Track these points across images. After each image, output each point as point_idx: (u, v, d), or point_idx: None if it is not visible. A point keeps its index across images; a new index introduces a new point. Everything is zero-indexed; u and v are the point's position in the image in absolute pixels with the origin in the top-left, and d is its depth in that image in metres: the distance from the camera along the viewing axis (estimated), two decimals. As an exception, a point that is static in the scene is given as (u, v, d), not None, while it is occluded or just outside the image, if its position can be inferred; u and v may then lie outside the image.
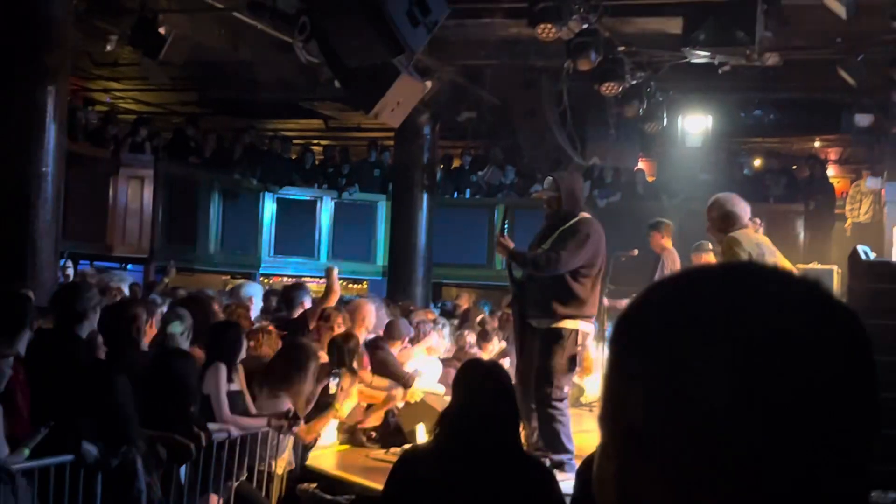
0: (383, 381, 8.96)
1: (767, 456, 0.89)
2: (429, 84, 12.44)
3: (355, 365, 8.38)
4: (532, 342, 7.90)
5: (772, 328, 0.92)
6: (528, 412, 7.58)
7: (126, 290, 10.44)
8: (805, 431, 0.89)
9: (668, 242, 11.05)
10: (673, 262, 10.81)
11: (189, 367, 6.64)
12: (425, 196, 17.48)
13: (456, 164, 21.36)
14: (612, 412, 0.98)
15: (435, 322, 11.07)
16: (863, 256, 8.58)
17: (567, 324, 7.70)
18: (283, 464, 7.58)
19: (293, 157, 20.61)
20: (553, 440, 7.66)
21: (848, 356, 0.94)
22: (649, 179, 20.10)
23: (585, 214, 8.01)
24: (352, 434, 9.00)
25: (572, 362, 7.82)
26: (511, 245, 7.98)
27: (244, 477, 7.22)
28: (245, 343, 7.57)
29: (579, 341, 7.79)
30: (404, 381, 9.05)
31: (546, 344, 7.77)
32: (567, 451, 7.62)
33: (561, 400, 7.73)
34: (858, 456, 0.93)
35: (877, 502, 5.89)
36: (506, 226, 8.51)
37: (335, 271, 9.74)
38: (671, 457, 0.91)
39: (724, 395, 0.90)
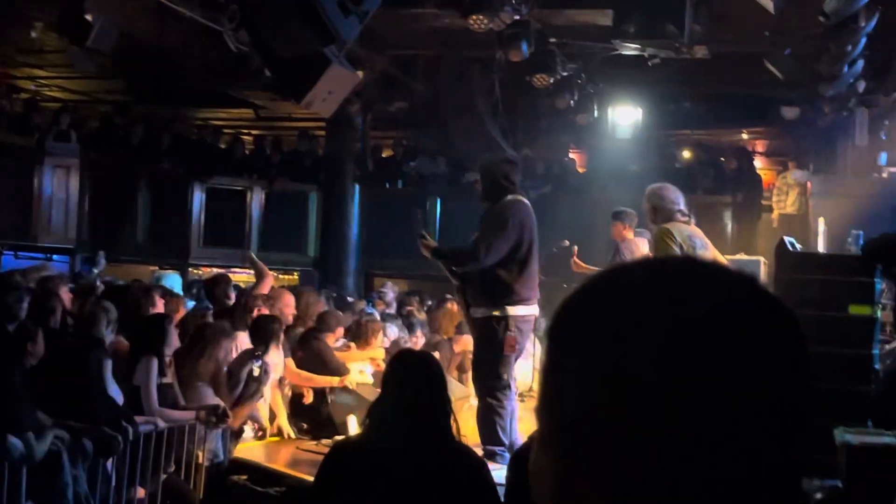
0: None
1: (703, 447, 0.89)
2: (360, 74, 12.37)
3: (279, 350, 8.36)
4: (474, 332, 7.93)
5: (707, 322, 0.91)
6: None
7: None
8: (741, 423, 0.89)
9: (629, 233, 11.02)
10: (632, 253, 10.81)
11: (93, 359, 6.56)
12: (357, 186, 17.43)
13: (387, 154, 21.31)
14: (549, 404, 0.97)
15: (383, 318, 11.02)
16: (789, 248, 8.72)
17: (497, 312, 7.61)
18: (210, 455, 7.52)
19: (223, 147, 20.41)
20: (488, 431, 7.56)
21: (783, 349, 0.94)
22: (580, 171, 20.23)
23: (510, 198, 7.79)
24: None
25: (508, 349, 7.62)
26: (433, 244, 7.97)
27: (172, 470, 7.15)
28: (175, 335, 7.50)
29: (511, 327, 7.60)
30: (339, 373, 9.01)
31: (480, 334, 7.78)
32: (501, 443, 7.48)
33: (499, 390, 7.56)
34: (793, 446, 0.93)
35: (806, 490, 5.98)
36: (420, 226, 8.47)
37: (252, 255, 9.67)
38: (608, 448, 0.91)
39: (658, 387, 0.89)
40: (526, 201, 7.93)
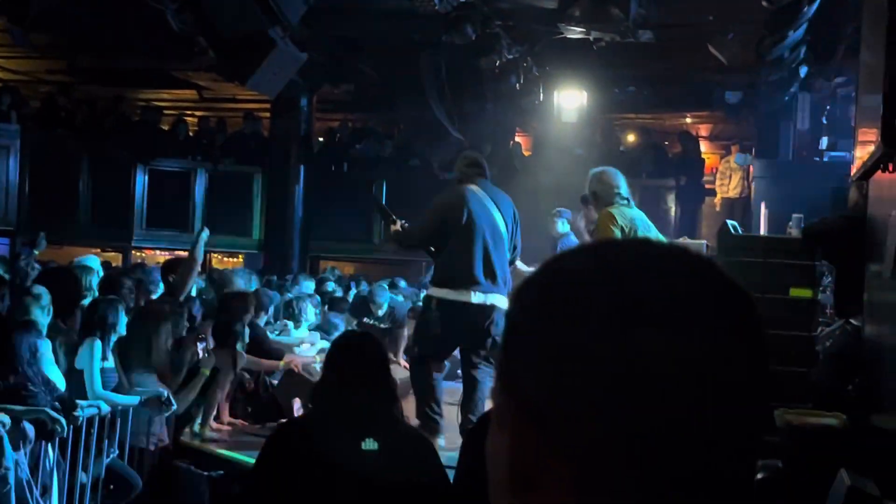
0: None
1: (659, 428, 0.89)
2: (305, 56, 12.29)
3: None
4: None
5: (662, 302, 0.91)
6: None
7: None
8: (699, 407, 0.89)
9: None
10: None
11: (23, 343, 6.47)
12: (302, 169, 17.34)
13: (333, 136, 21.21)
14: (507, 386, 0.97)
15: (311, 297, 11.01)
16: (732, 231, 8.80)
17: (428, 290, 8.27)
18: (154, 440, 7.46)
19: (166, 129, 20.19)
20: (423, 399, 8.05)
21: (739, 329, 0.94)
22: (525, 154, 20.27)
23: (454, 189, 8.13)
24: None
25: (433, 327, 7.97)
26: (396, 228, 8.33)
27: (115, 454, 7.09)
28: (124, 319, 7.42)
29: (432, 308, 7.99)
30: (278, 356, 9.03)
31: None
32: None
33: (415, 361, 8.18)
34: (751, 429, 0.94)
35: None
36: (382, 214, 8.72)
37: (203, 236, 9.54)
38: (562, 429, 0.91)
39: (612, 368, 0.89)
40: (471, 188, 8.08)
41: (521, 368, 0.96)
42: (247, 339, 8.58)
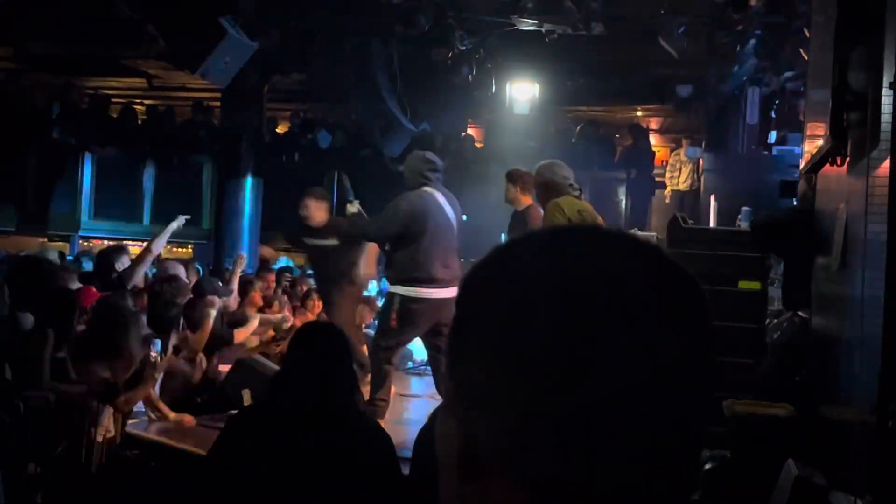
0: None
1: (602, 415, 0.89)
2: (256, 44, 12.21)
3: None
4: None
5: (606, 287, 0.91)
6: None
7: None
8: (642, 393, 0.89)
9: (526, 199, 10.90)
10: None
11: None
12: (253, 158, 17.24)
13: (285, 127, 21.10)
14: (455, 371, 0.97)
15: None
16: (681, 223, 8.87)
17: (391, 287, 8.39)
18: (102, 431, 7.38)
19: (114, 117, 19.96)
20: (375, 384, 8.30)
21: (686, 317, 0.94)
22: (477, 146, 20.29)
23: (416, 190, 8.31)
24: (176, 402, 8.82)
25: (395, 321, 8.26)
26: (348, 213, 8.79)
27: (65, 445, 7.01)
28: (77, 311, 7.33)
29: (395, 304, 8.22)
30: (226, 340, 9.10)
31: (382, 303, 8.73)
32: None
33: (381, 349, 8.35)
34: (697, 420, 0.94)
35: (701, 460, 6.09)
36: (346, 189, 8.85)
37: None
38: (508, 415, 0.91)
39: (555, 354, 0.89)
40: (432, 193, 8.32)
41: (467, 354, 0.96)
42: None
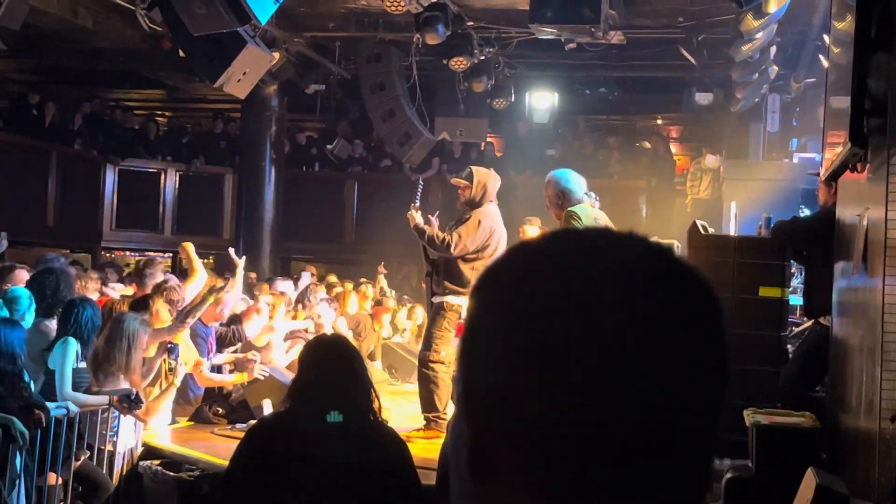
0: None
1: (616, 420, 0.89)
2: (276, 55, 12.27)
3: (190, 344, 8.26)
4: (429, 317, 8.81)
5: (621, 292, 0.91)
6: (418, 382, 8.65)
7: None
8: (653, 398, 0.89)
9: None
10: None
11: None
12: (273, 169, 17.30)
13: (305, 136, 21.16)
14: (465, 371, 0.97)
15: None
16: (701, 231, 8.84)
17: (450, 298, 8.44)
18: (122, 442, 7.41)
19: (136, 128, 20.07)
20: (426, 399, 8.43)
21: (700, 321, 0.94)
22: (497, 154, 20.30)
23: (487, 206, 8.62)
24: (197, 412, 8.86)
25: (451, 332, 8.45)
26: (417, 219, 8.55)
27: (86, 456, 7.03)
28: (101, 321, 7.35)
29: (462, 315, 8.34)
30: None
31: (432, 315, 8.63)
32: (435, 409, 8.36)
33: (436, 363, 8.38)
34: (708, 425, 0.94)
35: (716, 469, 6.07)
36: (418, 197, 8.87)
37: (190, 247, 9.32)
38: (519, 418, 0.91)
39: (570, 358, 0.89)
40: (495, 206, 8.75)
41: (478, 356, 0.96)
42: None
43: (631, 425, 0.89)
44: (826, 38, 10.65)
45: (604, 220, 7.84)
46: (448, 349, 8.44)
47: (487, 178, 8.75)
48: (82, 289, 8.81)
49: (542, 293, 0.92)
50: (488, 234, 8.47)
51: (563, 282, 0.92)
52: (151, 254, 16.64)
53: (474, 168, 8.90)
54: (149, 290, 8.93)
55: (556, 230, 1.08)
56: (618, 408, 0.89)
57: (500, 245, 8.57)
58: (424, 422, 8.39)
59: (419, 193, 8.95)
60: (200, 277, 9.07)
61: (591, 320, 0.90)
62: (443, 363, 8.38)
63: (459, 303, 8.39)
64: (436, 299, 8.62)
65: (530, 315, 0.91)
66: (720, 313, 0.96)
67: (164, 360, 7.84)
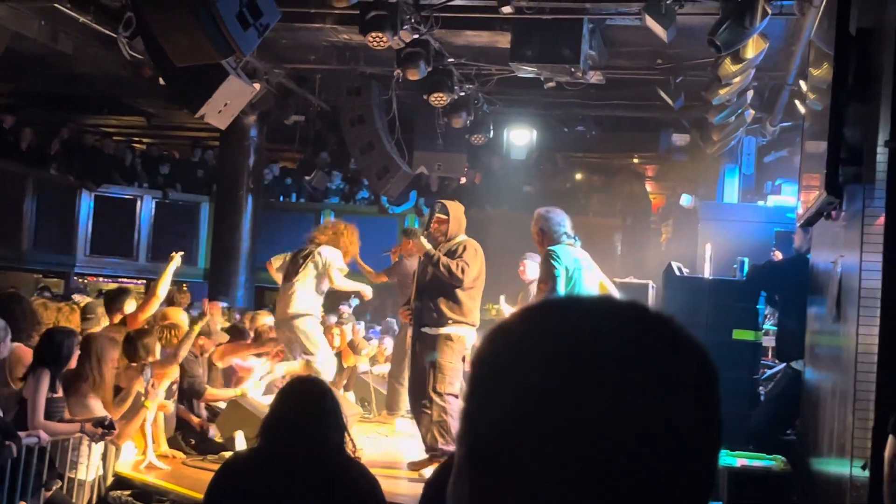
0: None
1: (610, 479, 0.91)
2: (257, 86, 12.29)
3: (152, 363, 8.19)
4: (423, 348, 8.54)
5: (620, 362, 0.94)
6: (419, 414, 8.55)
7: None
8: (649, 457, 0.92)
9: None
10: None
11: None
12: (250, 198, 17.29)
13: (282, 167, 21.17)
14: (468, 429, 0.99)
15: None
16: (676, 272, 8.90)
17: (456, 328, 8.46)
18: (93, 470, 7.36)
19: (113, 154, 20.03)
20: (445, 431, 8.31)
21: (696, 394, 0.97)
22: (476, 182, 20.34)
23: (463, 237, 8.77)
24: (169, 442, 8.80)
25: (461, 362, 8.50)
26: (428, 245, 8.56)
27: (58, 486, 6.98)
28: (76, 351, 7.28)
29: (467, 345, 8.53)
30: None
31: (439, 346, 8.46)
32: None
33: (451, 395, 8.36)
34: (701, 481, 0.96)
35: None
36: (430, 223, 8.91)
37: (175, 262, 9.32)
38: (519, 479, 0.93)
39: (569, 424, 0.92)
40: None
41: (479, 420, 0.98)
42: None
43: (627, 488, 0.91)
44: (802, 83, 10.79)
45: (584, 259, 7.88)
46: (461, 381, 8.45)
47: (460, 212, 8.89)
48: (65, 320, 8.74)
49: (550, 362, 0.95)
50: (482, 263, 8.58)
51: (572, 351, 0.95)
52: (125, 280, 16.58)
53: (446, 202, 9.06)
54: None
55: (569, 298, 1.10)
56: (612, 472, 0.91)
57: (483, 274, 8.71)
58: (429, 455, 8.38)
59: (430, 220, 8.97)
60: (156, 302, 9.06)
61: (594, 389, 0.92)
62: (456, 396, 8.34)
63: (464, 333, 8.47)
64: (432, 330, 8.50)
65: (537, 381, 0.94)
66: (716, 384, 0.99)
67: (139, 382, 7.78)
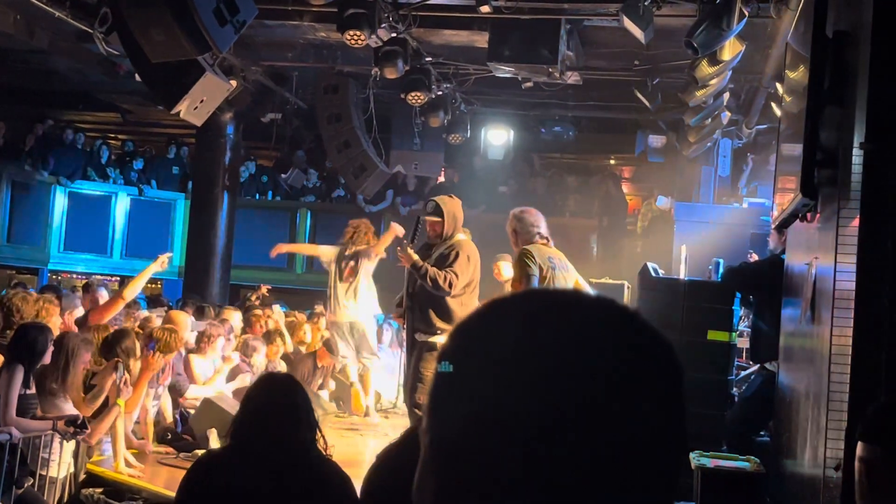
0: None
1: (577, 476, 0.91)
2: (234, 83, 12.23)
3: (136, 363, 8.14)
4: (414, 355, 8.53)
5: (584, 357, 0.94)
6: (413, 417, 8.46)
7: None
8: (613, 454, 0.92)
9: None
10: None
11: None
12: (226, 196, 17.22)
13: (258, 164, 21.10)
14: (434, 423, 0.99)
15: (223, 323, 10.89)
16: (652, 273, 8.92)
17: (444, 338, 8.01)
18: (64, 468, 7.30)
19: (88, 150, 19.91)
20: None
21: (659, 384, 0.97)
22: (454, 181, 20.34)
23: (461, 236, 8.62)
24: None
25: None
26: (415, 256, 8.36)
27: (29, 483, 6.92)
28: (50, 347, 7.22)
29: None
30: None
31: (423, 353, 8.39)
32: None
33: None
34: (666, 480, 0.96)
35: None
36: (416, 234, 8.73)
37: (161, 262, 9.41)
38: (483, 475, 0.93)
39: (532, 419, 0.91)
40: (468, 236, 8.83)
41: (446, 412, 0.98)
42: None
43: (593, 486, 0.91)
44: (779, 86, 10.84)
45: (558, 259, 7.87)
46: None
47: (455, 208, 8.70)
48: (44, 314, 8.68)
49: (510, 358, 0.95)
50: (474, 269, 8.48)
51: (531, 347, 0.95)
52: (99, 277, 16.47)
53: (438, 199, 8.82)
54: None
55: (531, 290, 1.10)
56: (578, 469, 0.91)
57: (477, 277, 8.62)
58: None
59: (417, 232, 8.74)
60: (121, 304, 9.28)
61: (556, 383, 0.93)
62: None
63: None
64: (421, 337, 8.50)
65: (499, 376, 0.94)
66: (680, 376, 0.99)
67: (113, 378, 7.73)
